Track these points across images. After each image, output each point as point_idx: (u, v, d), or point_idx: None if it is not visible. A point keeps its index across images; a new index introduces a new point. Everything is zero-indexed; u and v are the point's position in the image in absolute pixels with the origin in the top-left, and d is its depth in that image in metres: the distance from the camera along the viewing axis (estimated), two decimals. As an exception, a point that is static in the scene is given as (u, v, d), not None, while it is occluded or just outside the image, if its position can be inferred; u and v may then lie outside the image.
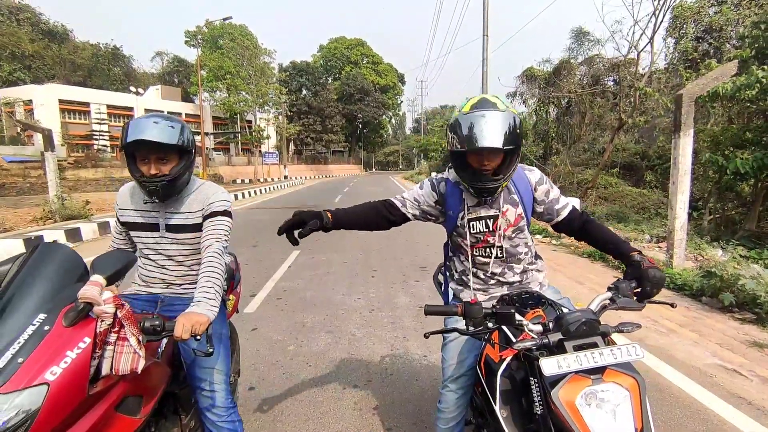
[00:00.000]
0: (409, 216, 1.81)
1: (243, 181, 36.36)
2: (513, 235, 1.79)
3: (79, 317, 1.18)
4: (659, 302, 1.47)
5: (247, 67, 39.93)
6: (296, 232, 1.67)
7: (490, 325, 1.42)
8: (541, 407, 1.29)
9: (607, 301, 1.46)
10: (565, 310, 1.48)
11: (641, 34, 12.18)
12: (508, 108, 1.57)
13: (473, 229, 1.75)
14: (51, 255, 1.27)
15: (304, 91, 55.48)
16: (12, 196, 22.13)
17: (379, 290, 5.48)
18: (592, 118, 16.45)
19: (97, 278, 1.24)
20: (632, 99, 12.66)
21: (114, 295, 1.24)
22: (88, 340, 1.17)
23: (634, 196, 14.64)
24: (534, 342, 1.30)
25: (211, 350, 1.41)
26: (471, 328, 1.44)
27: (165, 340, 1.75)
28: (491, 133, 1.49)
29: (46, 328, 1.14)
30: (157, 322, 1.39)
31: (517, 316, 1.39)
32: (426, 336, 1.51)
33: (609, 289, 1.50)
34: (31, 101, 37.37)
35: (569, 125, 16.84)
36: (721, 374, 3.17)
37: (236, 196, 20.24)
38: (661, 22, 11.77)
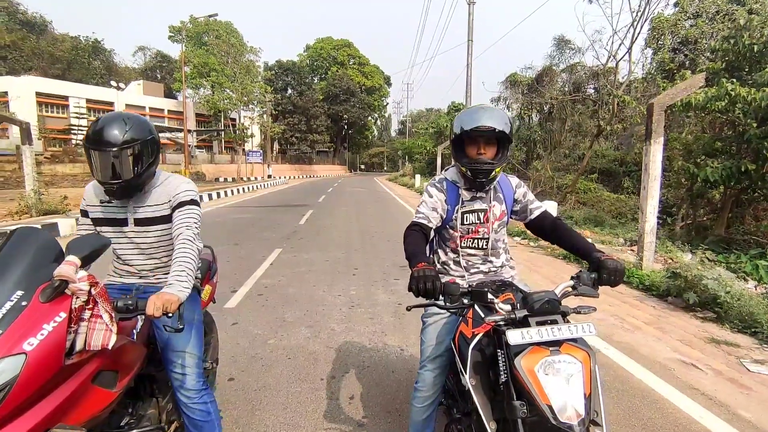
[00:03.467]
0: (434, 227, 1.97)
1: (226, 179, 36.01)
2: (498, 229, 2.03)
3: (55, 294, 1.23)
4: (590, 295, 1.62)
5: (232, 64, 39.56)
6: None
7: (465, 301, 1.60)
8: (506, 375, 1.44)
9: (569, 288, 1.64)
10: None
11: (620, 44, 12.57)
12: (505, 112, 1.93)
13: (466, 221, 1.98)
14: (28, 238, 1.32)
15: (289, 91, 55.19)
16: (-13, 190, 21.50)
17: (360, 288, 5.55)
18: (572, 125, 16.84)
19: (73, 258, 1.29)
20: (611, 107, 13.03)
21: (88, 274, 1.29)
22: (63, 315, 1.22)
23: (612, 201, 15.03)
24: (503, 317, 1.48)
25: (181, 326, 1.49)
26: (449, 305, 1.60)
27: (140, 323, 1.80)
28: (490, 118, 1.79)
29: (24, 303, 1.19)
30: (130, 301, 1.45)
31: (490, 296, 1.57)
32: (408, 309, 1.69)
33: (572, 278, 1.67)
34: (6, 93, 36.31)
35: (551, 131, 17.22)
36: (680, 368, 3.34)
37: (218, 195, 20.07)
38: (639, 33, 12.18)
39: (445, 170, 2.11)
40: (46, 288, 1.23)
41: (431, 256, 2.21)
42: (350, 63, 59.51)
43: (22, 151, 11.08)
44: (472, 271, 2.07)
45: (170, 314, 1.48)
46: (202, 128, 47.32)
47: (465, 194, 2.00)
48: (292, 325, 4.21)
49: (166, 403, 1.99)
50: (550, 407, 1.29)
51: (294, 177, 47.81)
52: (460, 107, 18.50)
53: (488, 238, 2.02)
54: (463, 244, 2.04)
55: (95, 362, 1.34)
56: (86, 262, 1.34)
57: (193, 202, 1.94)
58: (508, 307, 1.53)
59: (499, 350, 1.50)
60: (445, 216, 2.02)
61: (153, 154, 1.84)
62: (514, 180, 2.10)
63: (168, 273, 2.01)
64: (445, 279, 2.10)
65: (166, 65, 54.87)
